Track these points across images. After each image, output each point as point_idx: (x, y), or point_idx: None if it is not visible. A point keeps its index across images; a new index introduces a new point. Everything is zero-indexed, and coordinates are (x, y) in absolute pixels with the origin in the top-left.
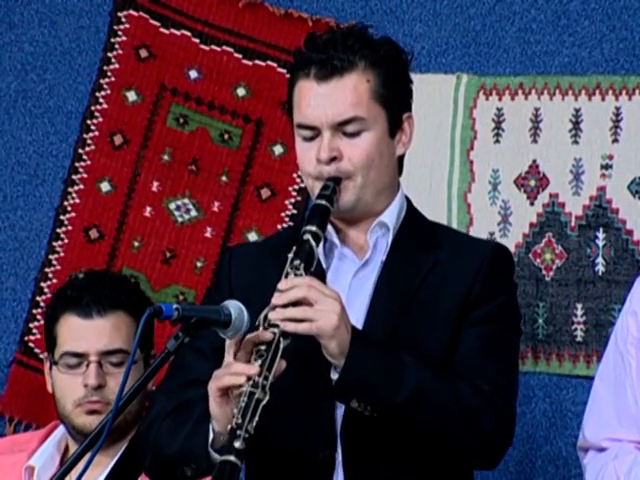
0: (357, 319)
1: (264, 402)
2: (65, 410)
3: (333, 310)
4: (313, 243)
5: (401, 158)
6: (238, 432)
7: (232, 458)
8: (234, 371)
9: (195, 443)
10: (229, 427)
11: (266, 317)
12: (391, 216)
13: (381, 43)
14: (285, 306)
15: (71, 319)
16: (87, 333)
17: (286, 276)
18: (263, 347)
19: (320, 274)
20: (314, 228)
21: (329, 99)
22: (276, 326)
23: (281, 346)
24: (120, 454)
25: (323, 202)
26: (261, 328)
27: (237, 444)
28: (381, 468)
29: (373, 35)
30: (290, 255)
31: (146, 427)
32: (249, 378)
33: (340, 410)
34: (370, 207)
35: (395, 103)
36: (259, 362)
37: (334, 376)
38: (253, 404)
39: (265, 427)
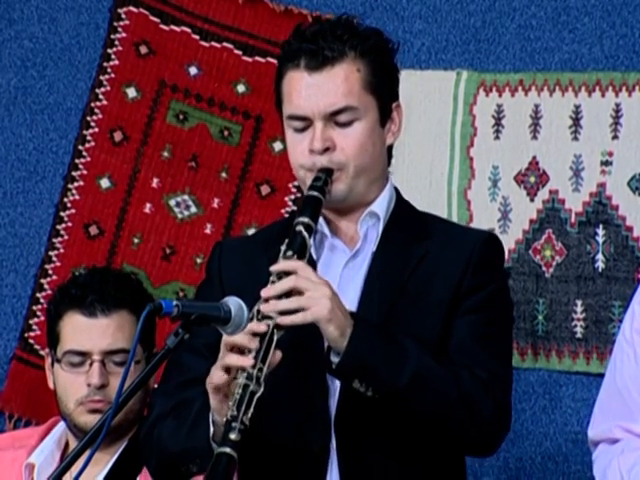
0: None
1: (258, 394)
2: (67, 408)
3: (324, 295)
4: (306, 234)
5: (390, 148)
6: (233, 424)
7: (227, 450)
8: (227, 364)
9: (197, 439)
10: (224, 419)
11: (259, 310)
12: (381, 206)
13: (369, 33)
14: (277, 297)
15: (75, 317)
16: (91, 332)
17: None
18: (257, 339)
19: (311, 265)
20: (306, 219)
21: (321, 89)
22: (269, 318)
23: (275, 338)
24: (120, 452)
25: (315, 193)
26: (255, 320)
27: (232, 436)
28: (375, 458)
29: (361, 26)
30: (283, 247)
31: (147, 429)
32: (243, 370)
33: (334, 401)
34: (362, 197)
35: (385, 92)
36: (253, 354)
37: (335, 359)
38: (247, 396)
39: (259, 419)
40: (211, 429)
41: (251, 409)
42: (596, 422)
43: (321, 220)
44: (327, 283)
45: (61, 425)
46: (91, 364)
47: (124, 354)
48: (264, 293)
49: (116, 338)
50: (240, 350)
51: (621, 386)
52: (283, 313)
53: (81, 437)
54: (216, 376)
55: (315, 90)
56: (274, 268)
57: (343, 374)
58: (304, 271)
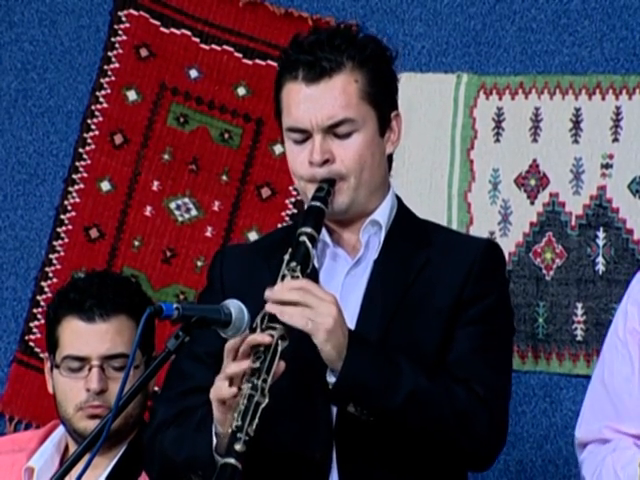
0: (350, 318)
1: (263, 405)
2: (66, 413)
3: (329, 313)
4: (309, 245)
5: (390, 156)
6: (238, 435)
7: (232, 461)
8: (230, 373)
9: (199, 449)
10: (229, 430)
11: (263, 319)
12: (383, 214)
13: (366, 42)
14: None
15: (74, 322)
16: (90, 337)
17: (282, 278)
18: (261, 349)
19: (313, 274)
20: (309, 230)
21: (319, 101)
22: (274, 328)
23: (279, 349)
24: (119, 457)
25: (318, 204)
26: (259, 330)
27: (237, 447)
28: (375, 469)
29: (358, 34)
30: (286, 257)
31: (150, 437)
32: (248, 380)
33: (335, 410)
34: (363, 207)
35: (383, 101)
36: (257, 365)
37: (330, 379)
38: (253, 407)
39: (263, 428)
40: (214, 440)
41: (256, 420)
42: (584, 422)
43: (323, 229)
44: (334, 301)
45: (61, 429)
46: (90, 369)
47: (123, 359)
48: (269, 294)
49: (115, 343)
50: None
51: (614, 387)
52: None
53: (80, 441)
54: (225, 390)
55: (313, 103)
56: (279, 289)
57: (338, 397)
58: (311, 288)
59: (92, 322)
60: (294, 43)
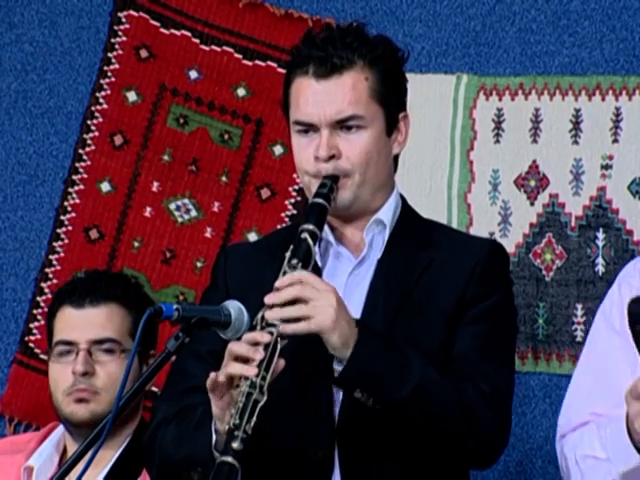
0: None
1: (262, 403)
2: (57, 401)
3: (329, 304)
4: (310, 242)
5: (396, 157)
6: (236, 433)
7: (229, 459)
8: (231, 373)
9: (198, 446)
10: (227, 428)
11: (263, 317)
12: (387, 214)
13: (378, 41)
14: (281, 305)
15: (66, 310)
16: (79, 322)
17: (284, 275)
18: (262, 350)
19: (316, 273)
20: (311, 226)
21: (328, 97)
22: (273, 326)
23: (279, 346)
24: (120, 453)
25: (320, 200)
26: (258, 328)
27: (235, 445)
28: (378, 467)
29: (370, 34)
30: (287, 254)
31: (150, 434)
32: (247, 378)
33: (338, 408)
34: (367, 205)
35: (392, 101)
36: (257, 362)
37: (338, 367)
38: (251, 405)
39: (265, 426)
40: (213, 437)
41: (254, 418)
42: (569, 411)
43: (326, 227)
44: (333, 290)
45: (60, 429)
46: (77, 353)
47: (111, 343)
48: (268, 300)
49: (104, 328)
50: (244, 359)
51: (613, 378)
52: (286, 321)
53: (74, 432)
54: (218, 375)
55: (322, 97)
56: (279, 284)
57: (345, 384)
58: (309, 279)
59: (81, 308)
60: (306, 39)
